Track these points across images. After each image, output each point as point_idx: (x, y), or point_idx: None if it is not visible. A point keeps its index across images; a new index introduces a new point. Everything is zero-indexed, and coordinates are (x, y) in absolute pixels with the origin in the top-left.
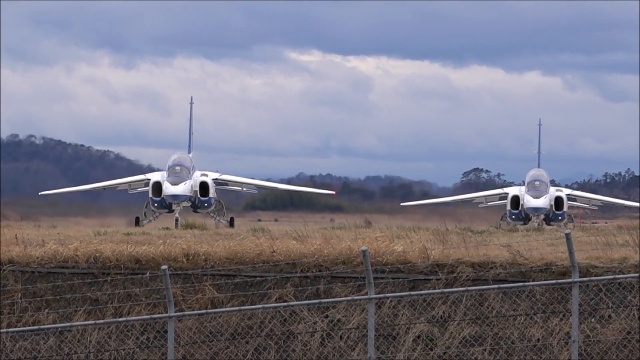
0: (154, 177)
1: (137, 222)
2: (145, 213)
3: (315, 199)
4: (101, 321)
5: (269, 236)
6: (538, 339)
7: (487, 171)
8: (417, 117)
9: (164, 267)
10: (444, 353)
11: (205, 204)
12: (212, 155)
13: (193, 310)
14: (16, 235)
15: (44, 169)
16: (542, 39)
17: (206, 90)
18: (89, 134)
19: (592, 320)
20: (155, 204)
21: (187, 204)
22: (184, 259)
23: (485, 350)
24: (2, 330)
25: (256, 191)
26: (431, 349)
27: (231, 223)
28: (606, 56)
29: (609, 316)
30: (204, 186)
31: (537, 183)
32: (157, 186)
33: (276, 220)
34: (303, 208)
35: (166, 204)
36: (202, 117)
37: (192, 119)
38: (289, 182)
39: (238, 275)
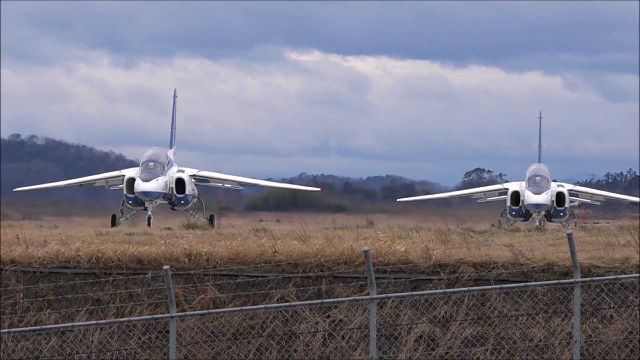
0: (128, 173)
1: (114, 220)
2: (122, 211)
3: (317, 199)
4: (103, 321)
5: (270, 236)
6: (540, 339)
7: (489, 171)
8: (415, 117)
9: (165, 267)
10: (446, 353)
11: (182, 201)
12: (211, 156)
13: (195, 310)
14: (18, 235)
15: (46, 169)
16: (542, 39)
17: (205, 90)
18: (89, 134)
19: (594, 320)
20: (130, 201)
21: (162, 201)
22: (185, 259)
23: (487, 350)
24: (4, 331)
25: (242, 188)
26: (433, 349)
27: (211, 221)
28: (606, 56)
29: (611, 316)
30: (180, 182)
31: (537, 178)
32: (132, 182)
33: (278, 220)
34: (305, 208)
35: (141, 201)
36: (202, 117)
37: (175, 113)
38: (290, 182)
39: (240, 275)
